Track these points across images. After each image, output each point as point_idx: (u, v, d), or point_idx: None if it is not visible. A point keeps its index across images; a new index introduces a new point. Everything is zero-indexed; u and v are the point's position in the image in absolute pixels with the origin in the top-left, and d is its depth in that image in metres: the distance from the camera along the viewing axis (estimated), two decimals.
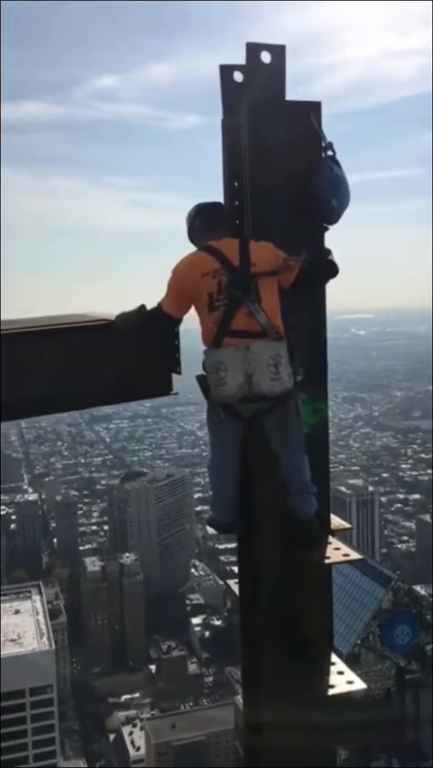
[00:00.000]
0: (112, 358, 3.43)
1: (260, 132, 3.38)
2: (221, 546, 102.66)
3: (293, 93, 3.44)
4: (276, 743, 3.63)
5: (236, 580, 4.01)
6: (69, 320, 3.61)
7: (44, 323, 3.55)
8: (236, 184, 3.58)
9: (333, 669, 3.62)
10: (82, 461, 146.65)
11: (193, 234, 3.53)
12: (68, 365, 3.35)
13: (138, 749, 69.83)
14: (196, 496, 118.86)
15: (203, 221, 3.50)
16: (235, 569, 4.14)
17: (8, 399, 3.21)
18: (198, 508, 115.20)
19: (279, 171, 3.41)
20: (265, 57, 3.32)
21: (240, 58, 3.40)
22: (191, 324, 3.44)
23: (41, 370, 3.29)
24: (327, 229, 3.50)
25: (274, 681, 3.59)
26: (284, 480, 3.40)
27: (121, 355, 3.43)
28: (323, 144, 3.41)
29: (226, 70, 3.55)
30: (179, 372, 3.52)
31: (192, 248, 3.49)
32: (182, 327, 3.46)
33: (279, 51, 3.34)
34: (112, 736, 75.90)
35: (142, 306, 3.37)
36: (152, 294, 3.43)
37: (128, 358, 3.45)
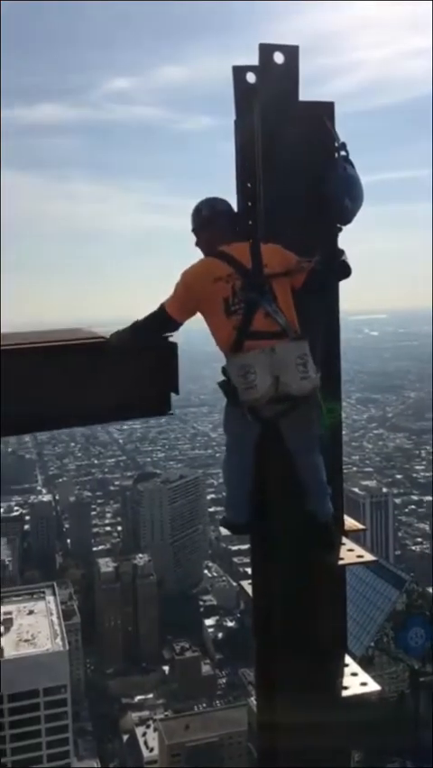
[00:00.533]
0: (109, 376, 3.42)
1: (273, 132, 3.38)
2: (234, 548, 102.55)
3: (306, 93, 3.44)
4: (290, 744, 3.62)
5: (250, 581, 4.01)
6: (68, 336, 3.62)
7: (43, 338, 3.56)
8: (249, 185, 3.58)
9: (347, 670, 3.62)
10: (95, 462, 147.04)
11: (213, 233, 3.47)
12: (64, 383, 3.34)
13: (151, 750, 69.88)
14: (209, 497, 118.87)
15: (227, 223, 3.49)
16: (249, 570, 4.13)
17: (4, 415, 3.21)
18: (212, 509, 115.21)
19: (292, 172, 3.40)
20: (278, 57, 3.32)
21: (253, 59, 3.41)
22: (195, 325, 3.44)
23: (38, 387, 3.29)
24: (340, 229, 3.49)
25: (288, 682, 3.58)
26: (301, 480, 3.39)
27: (118, 374, 3.43)
28: (336, 144, 3.40)
29: (239, 71, 3.55)
30: (177, 392, 3.51)
31: (195, 246, 3.52)
32: (184, 328, 3.45)
33: (292, 52, 3.33)
34: (125, 737, 75.97)
35: (136, 322, 3.38)
36: (167, 297, 3.43)
37: (126, 377, 3.44)
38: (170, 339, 3.48)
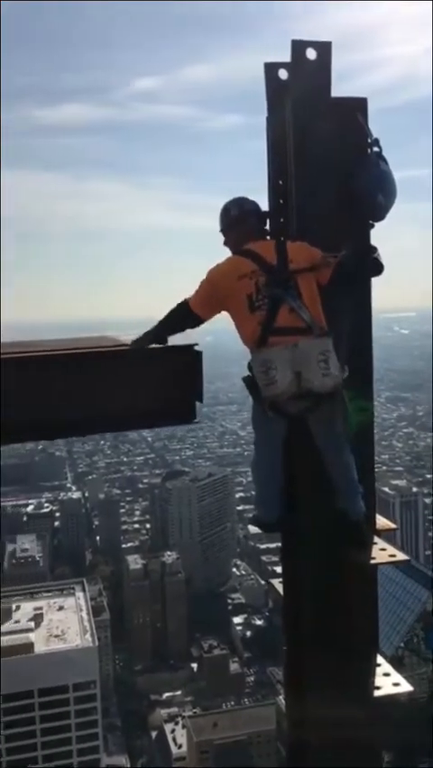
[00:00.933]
0: (133, 385, 3.44)
1: (305, 128, 3.37)
2: (262, 546, 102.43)
3: (338, 89, 3.42)
4: (319, 743, 3.61)
5: (280, 580, 4.00)
6: (94, 344, 3.66)
7: (71, 346, 3.60)
8: (281, 182, 3.57)
9: (379, 670, 3.59)
10: (124, 459, 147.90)
11: (241, 233, 3.49)
12: (90, 390, 3.37)
13: (180, 747, 70.12)
14: (237, 495, 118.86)
15: (254, 222, 3.51)
16: (277, 569, 4.13)
17: (22, 422, 3.26)
18: (240, 508, 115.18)
19: (324, 168, 3.39)
20: (311, 54, 3.31)
21: (281, 56, 3.40)
22: (223, 324, 3.44)
23: (63, 395, 3.33)
24: (372, 226, 3.47)
25: (318, 680, 3.57)
26: (331, 478, 3.37)
27: (143, 382, 3.45)
28: (369, 140, 3.38)
29: (271, 68, 3.53)
30: (201, 400, 3.53)
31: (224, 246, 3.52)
32: (214, 326, 3.46)
33: (324, 48, 3.32)
34: (154, 733, 76.37)
35: (158, 324, 3.41)
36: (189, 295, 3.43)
37: (150, 385, 3.46)
38: (196, 347, 3.49)
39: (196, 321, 3.39)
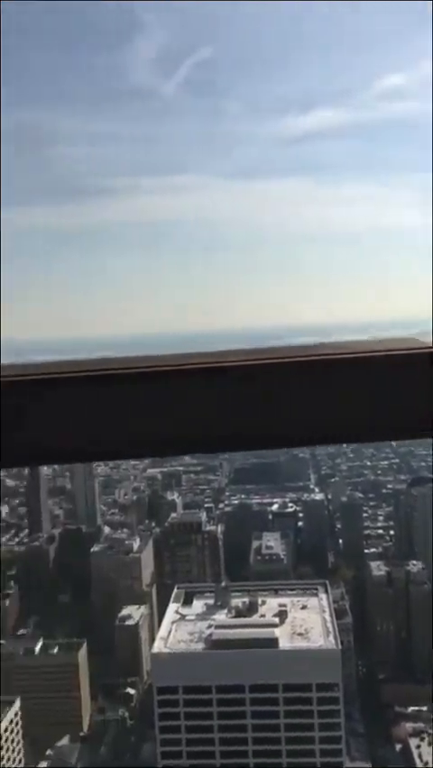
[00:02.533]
0: (371, 392, 3.36)
1: None
2: None
3: None
4: None
5: None
6: (337, 349, 3.64)
7: (306, 353, 3.61)
8: None
9: None
10: (367, 463, 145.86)
11: None
12: (319, 398, 3.35)
13: (426, 764, 67.44)
14: None
15: None
16: None
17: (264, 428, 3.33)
18: None
19: None
20: None
21: None
22: None
23: (302, 403, 3.34)
24: None
25: None
26: None
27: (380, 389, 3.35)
28: None
29: None
30: None
31: None
32: None
33: None
34: (398, 746, 74.35)
35: None
36: None
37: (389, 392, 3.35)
38: None
39: None
